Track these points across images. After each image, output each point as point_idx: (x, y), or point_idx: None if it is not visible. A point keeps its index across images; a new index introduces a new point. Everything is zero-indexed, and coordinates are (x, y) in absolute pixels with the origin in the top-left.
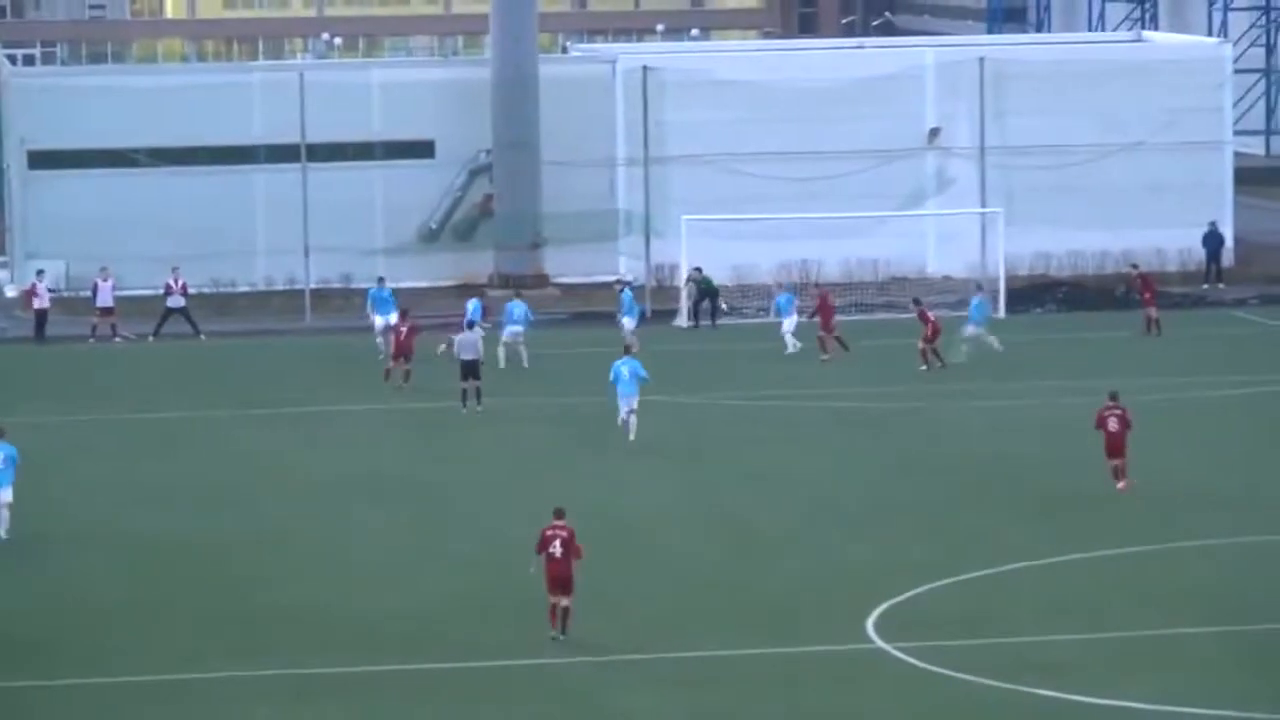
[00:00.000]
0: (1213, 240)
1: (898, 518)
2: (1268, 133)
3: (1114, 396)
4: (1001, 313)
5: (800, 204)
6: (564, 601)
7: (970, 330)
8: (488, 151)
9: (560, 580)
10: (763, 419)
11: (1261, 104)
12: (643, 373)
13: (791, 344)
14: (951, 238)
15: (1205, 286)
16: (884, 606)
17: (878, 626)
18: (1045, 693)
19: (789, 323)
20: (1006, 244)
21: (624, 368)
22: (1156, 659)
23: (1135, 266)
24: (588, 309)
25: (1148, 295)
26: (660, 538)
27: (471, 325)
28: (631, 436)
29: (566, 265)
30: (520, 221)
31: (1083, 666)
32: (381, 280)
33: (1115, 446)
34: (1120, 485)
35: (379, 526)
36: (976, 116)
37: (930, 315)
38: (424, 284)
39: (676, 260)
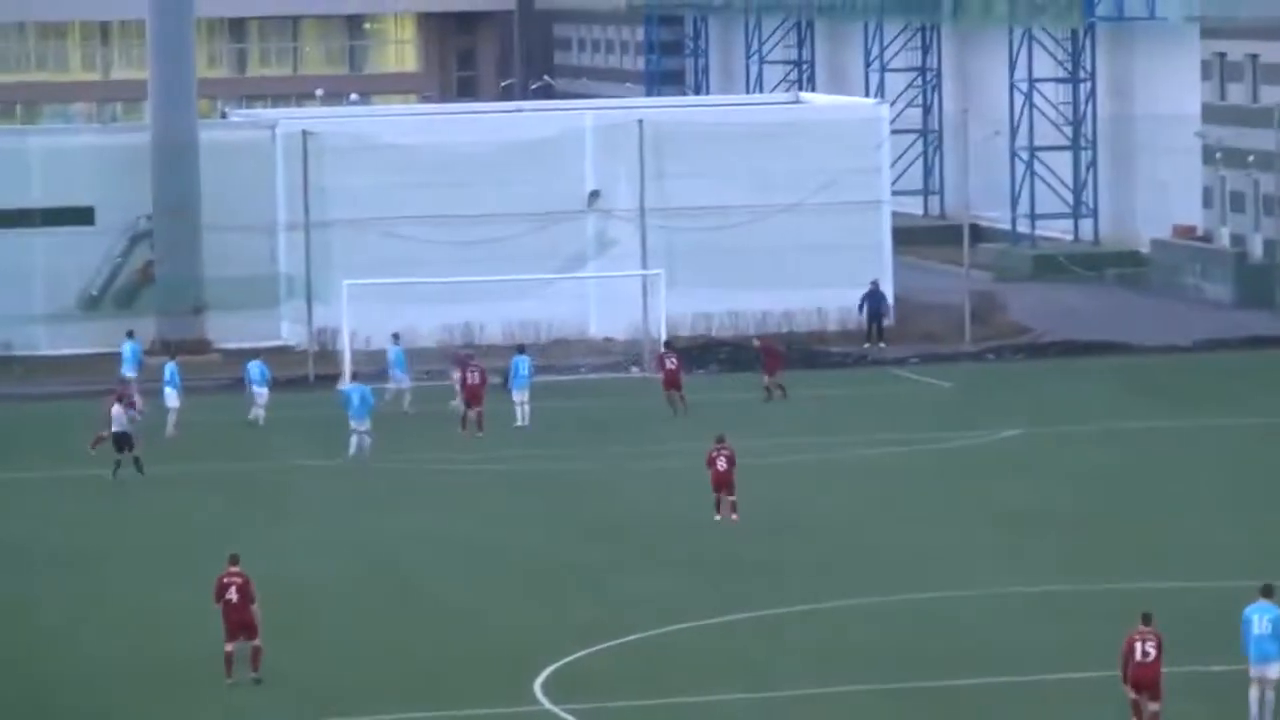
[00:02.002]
0: (874, 299)
1: (564, 579)
2: (925, 192)
3: (720, 439)
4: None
5: (463, 267)
6: (254, 642)
7: (516, 395)
8: (148, 217)
9: (242, 625)
10: (427, 482)
11: (919, 164)
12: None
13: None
14: (613, 299)
15: (866, 345)
16: (551, 668)
17: (545, 688)
18: None
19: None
20: (668, 305)
21: (355, 394)
22: (818, 716)
23: (757, 339)
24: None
25: (769, 363)
26: (321, 603)
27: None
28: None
29: (228, 330)
30: (181, 287)
31: None
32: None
33: (721, 482)
34: (718, 516)
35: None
36: (636, 178)
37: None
38: (87, 350)
39: (339, 324)
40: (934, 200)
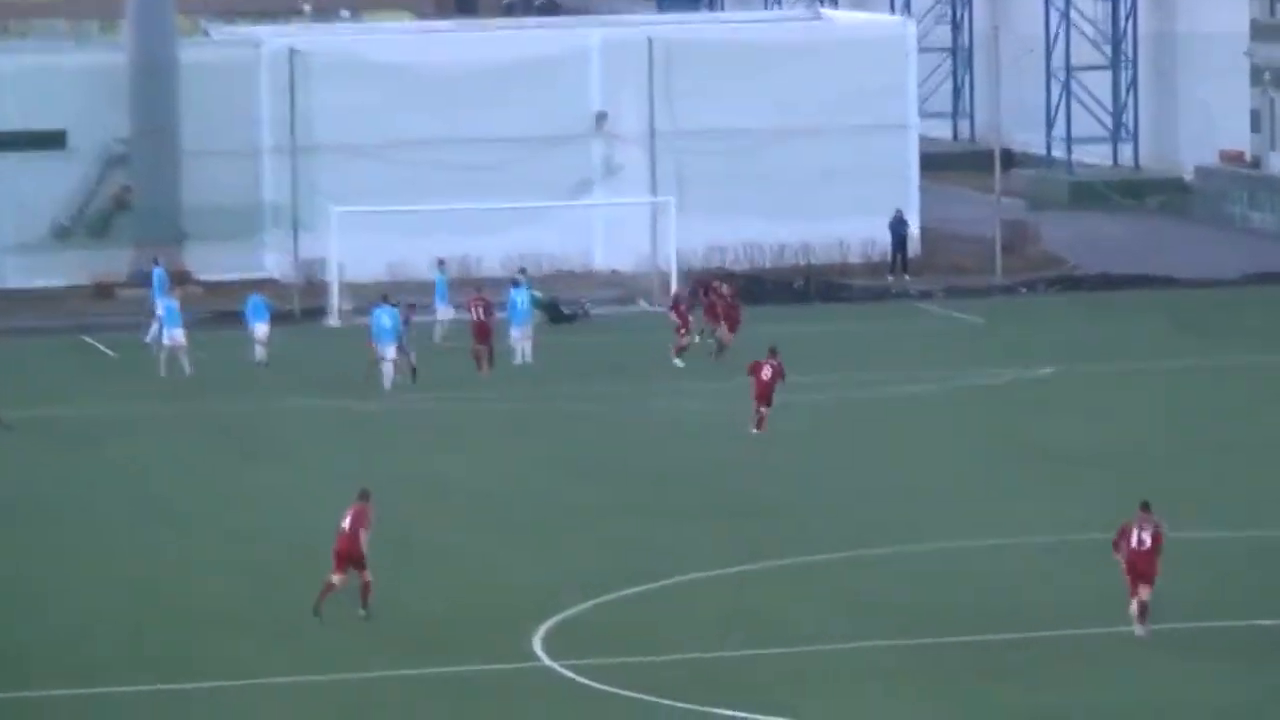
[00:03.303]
0: (898, 229)
1: (568, 527)
2: (954, 115)
3: (773, 350)
4: None
5: (459, 194)
6: (366, 576)
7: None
8: (124, 141)
9: (349, 556)
10: (426, 423)
11: (947, 85)
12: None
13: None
14: (620, 229)
15: (890, 279)
16: (553, 621)
17: (546, 643)
18: (724, 711)
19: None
20: (679, 235)
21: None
22: (839, 674)
23: (721, 283)
24: (232, 308)
25: (728, 314)
26: (313, 551)
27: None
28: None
29: (209, 262)
30: (160, 216)
31: (764, 683)
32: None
33: (763, 392)
34: (754, 430)
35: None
36: (645, 100)
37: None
38: (58, 283)
39: (326, 256)
40: (964, 124)
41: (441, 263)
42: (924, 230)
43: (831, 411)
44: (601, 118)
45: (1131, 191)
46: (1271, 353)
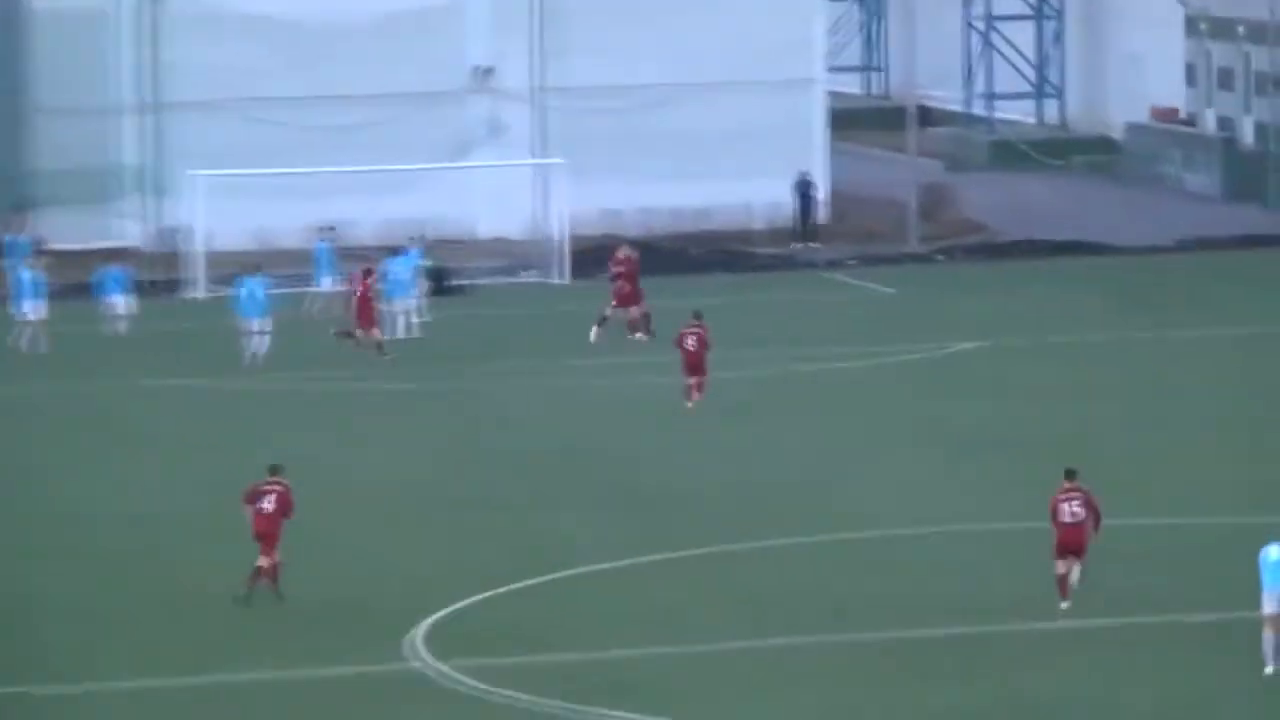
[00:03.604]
0: (804, 192)
1: (455, 516)
2: (866, 69)
3: (698, 315)
4: (566, 278)
5: (331, 156)
6: (267, 560)
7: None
8: None
9: (265, 535)
10: (305, 404)
11: (858, 36)
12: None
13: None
14: (505, 194)
15: (796, 246)
16: (436, 618)
17: (429, 641)
18: (618, 713)
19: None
20: (570, 200)
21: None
22: (735, 674)
23: (626, 251)
24: (86, 279)
25: (629, 292)
26: (171, 542)
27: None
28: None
29: (60, 229)
30: (5, 178)
31: (653, 684)
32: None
33: (693, 364)
34: (690, 404)
35: None
36: (533, 53)
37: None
38: None
39: (188, 223)
40: (875, 78)
41: (328, 230)
42: (832, 193)
43: (736, 391)
44: (485, 73)
45: (1057, 151)
46: (1209, 325)
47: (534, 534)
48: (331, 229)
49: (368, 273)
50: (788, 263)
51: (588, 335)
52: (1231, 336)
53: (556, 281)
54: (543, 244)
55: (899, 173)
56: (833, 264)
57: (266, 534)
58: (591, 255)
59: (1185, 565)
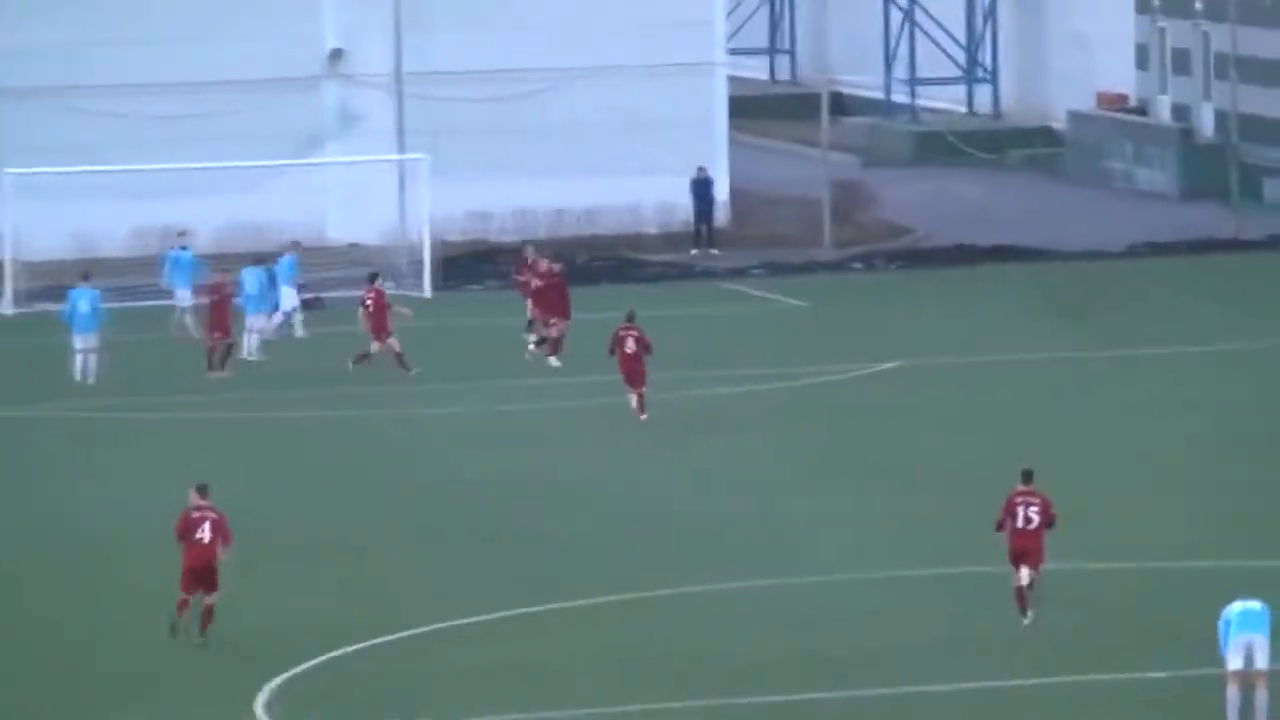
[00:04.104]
0: (702, 192)
1: (306, 562)
2: (771, 51)
3: (631, 317)
4: (427, 290)
5: (161, 152)
6: (210, 599)
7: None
8: None
9: (206, 573)
10: (125, 434)
11: (763, 13)
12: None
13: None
14: (360, 194)
15: (694, 252)
16: (280, 679)
17: (270, 707)
18: None
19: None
20: (434, 201)
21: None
22: None
23: (375, 282)
24: None
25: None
26: None
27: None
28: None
29: None
30: None
31: None
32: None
33: (632, 371)
34: (644, 418)
35: None
36: (391, 34)
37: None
38: None
39: None
40: (782, 62)
41: (182, 234)
42: (734, 193)
43: (627, 419)
44: (335, 55)
45: (990, 144)
46: (1163, 342)
47: (394, 582)
48: (183, 233)
49: (374, 276)
50: (684, 272)
51: (453, 355)
52: (1187, 355)
53: (419, 294)
54: (403, 251)
55: (810, 169)
56: (736, 273)
57: (207, 569)
58: (459, 263)
59: (1136, 614)
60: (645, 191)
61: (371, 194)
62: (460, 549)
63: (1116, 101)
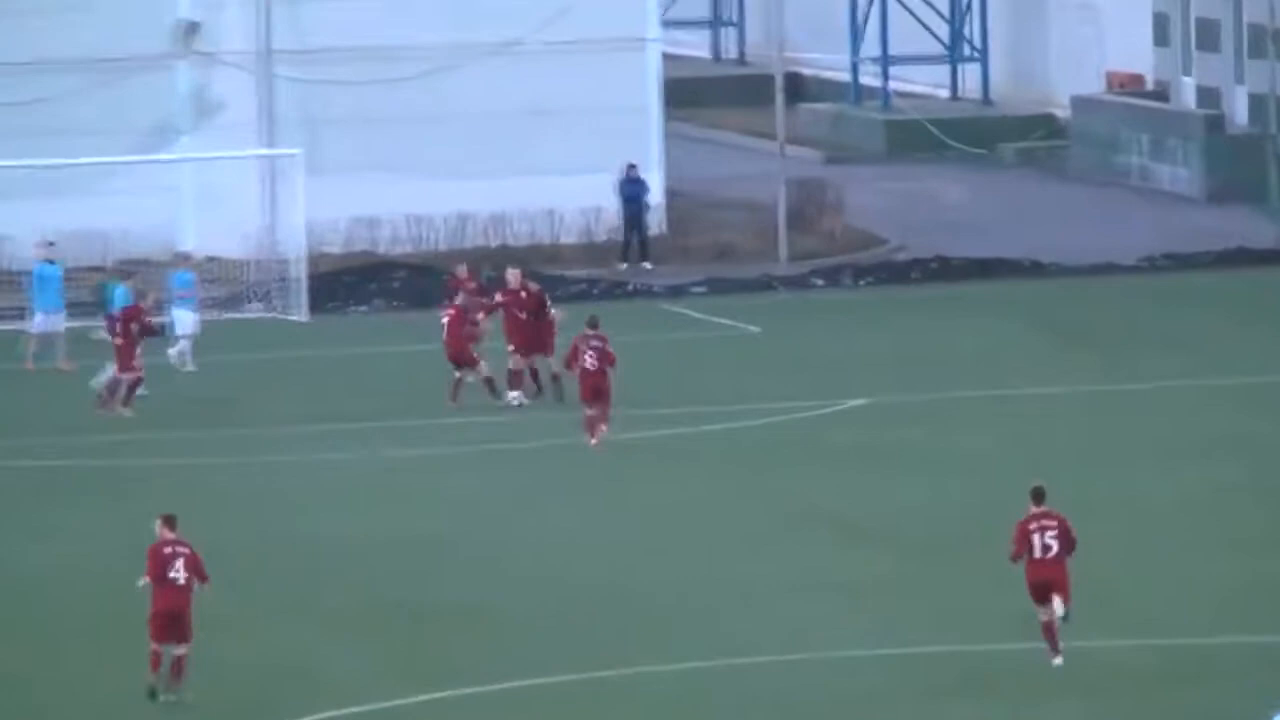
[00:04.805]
0: (632, 194)
1: (138, 634)
2: (715, 24)
3: (594, 324)
4: (303, 313)
5: None
6: (181, 649)
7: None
8: None
9: (180, 620)
10: None
11: None
12: None
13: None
14: (220, 196)
15: (623, 267)
16: None
17: None
18: None
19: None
20: (311, 205)
21: None
22: None
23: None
24: None
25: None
26: None
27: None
28: None
29: None
30: None
31: None
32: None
33: (594, 387)
34: (594, 440)
35: None
36: (256, 3)
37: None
38: None
39: None
40: (729, 36)
41: (47, 245)
42: (671, 195)
43: (548, 465)
44: (189, 30)
45: (979, 136)
46: (1186, 374)
47: (258, 662)
48: (51, 244)
49: (455, 292)
50: (612, 291)
51: (335, 391)
52: (1216, 390)
53: (293, 317)
54: (272, 267)
55: (762, 166)
56: (674, 292)
57: (181, 615)
58: (343, 281)
59: (1157, 699)
60: (564, 194)
61: (234, 197)
62: (344, 621)
63: (1130, 84)
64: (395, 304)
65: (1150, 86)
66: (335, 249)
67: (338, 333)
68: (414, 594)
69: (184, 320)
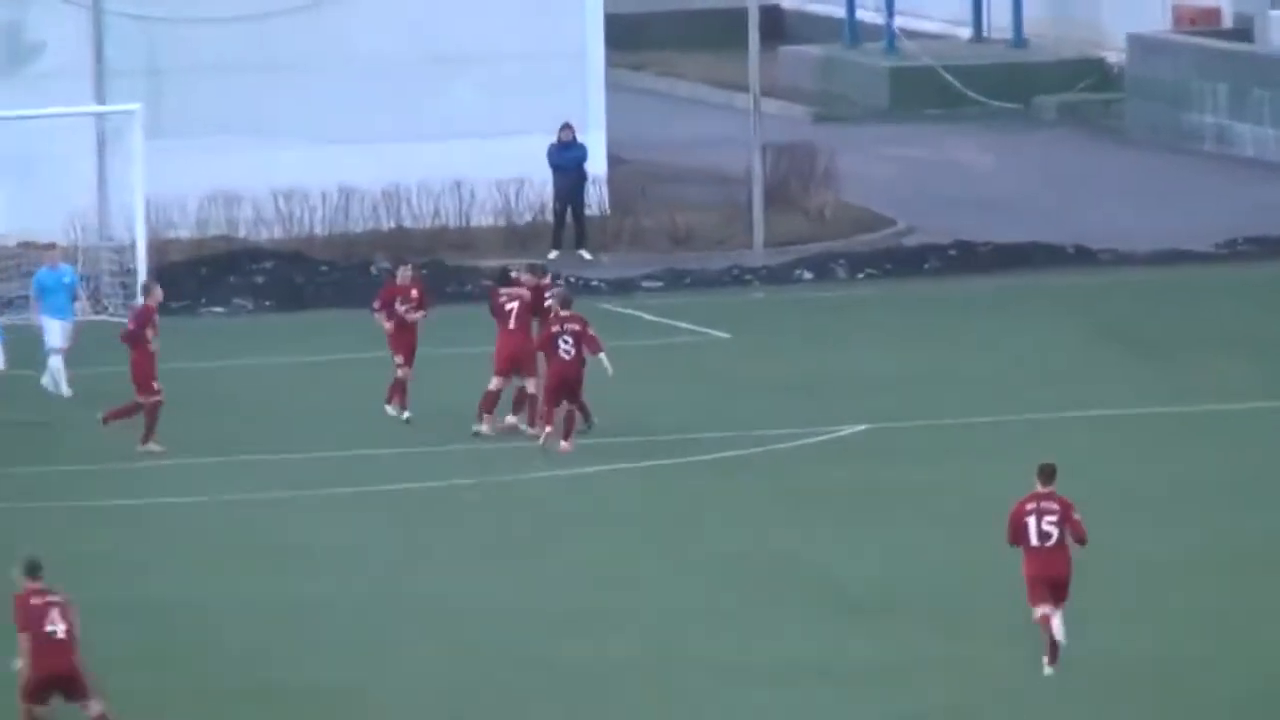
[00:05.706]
0: (567, 162)
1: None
2: None
3: (566, 303)
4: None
5: None
6: (92, 708)
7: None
8: None
9: (64, 674)
10: None
11: None
12: None
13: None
14: (36, 166)
15: (554, 255)
16: None
17: None
18: None
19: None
20: (153, 177)
21: None
22: None
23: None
24: None
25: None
26: None
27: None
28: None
29: None
30: None
31: None
32: None
33: (567, 378)
34: (564, 444)
35: None
36: None
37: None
38: None
39: None
40: None
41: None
42: (616, 164)
43: (465, 509)
44: None
45: (1009, 87)
46: (1269, 392)
47: None
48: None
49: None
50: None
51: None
52: None
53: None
54: (103, 254)
55: (734, 126)
56: (620, 287)
57: (70, 672)
58: (194, 273)
59: None
60: (477, 162)
61: (54, 166)
62: (197, 705)
63: (1204, 20)
64: (262, 303)
65: (1229, 24)
66: (184, 233)
67: (188, 338)
68: (278, 673)
69: (53, 330)
